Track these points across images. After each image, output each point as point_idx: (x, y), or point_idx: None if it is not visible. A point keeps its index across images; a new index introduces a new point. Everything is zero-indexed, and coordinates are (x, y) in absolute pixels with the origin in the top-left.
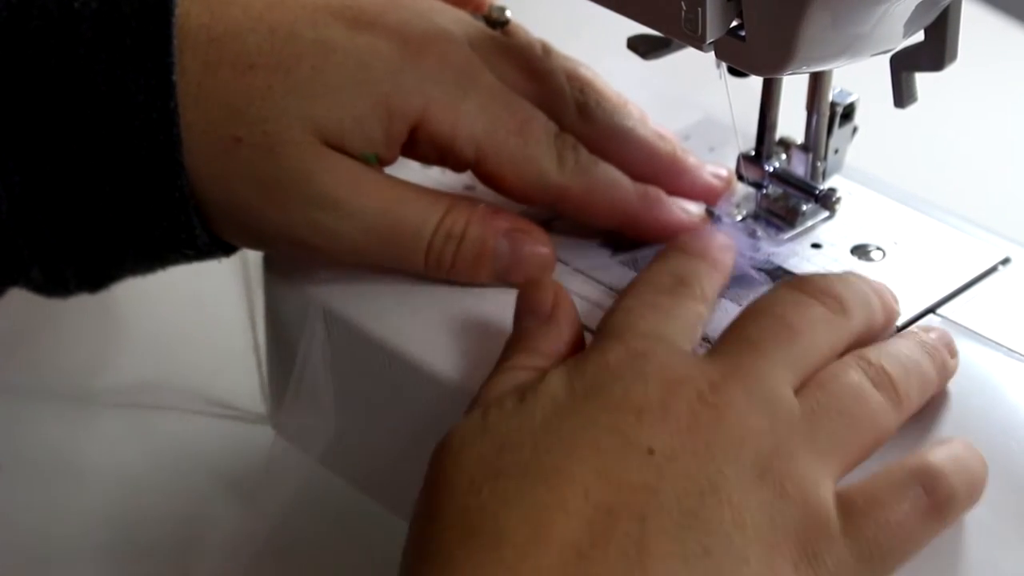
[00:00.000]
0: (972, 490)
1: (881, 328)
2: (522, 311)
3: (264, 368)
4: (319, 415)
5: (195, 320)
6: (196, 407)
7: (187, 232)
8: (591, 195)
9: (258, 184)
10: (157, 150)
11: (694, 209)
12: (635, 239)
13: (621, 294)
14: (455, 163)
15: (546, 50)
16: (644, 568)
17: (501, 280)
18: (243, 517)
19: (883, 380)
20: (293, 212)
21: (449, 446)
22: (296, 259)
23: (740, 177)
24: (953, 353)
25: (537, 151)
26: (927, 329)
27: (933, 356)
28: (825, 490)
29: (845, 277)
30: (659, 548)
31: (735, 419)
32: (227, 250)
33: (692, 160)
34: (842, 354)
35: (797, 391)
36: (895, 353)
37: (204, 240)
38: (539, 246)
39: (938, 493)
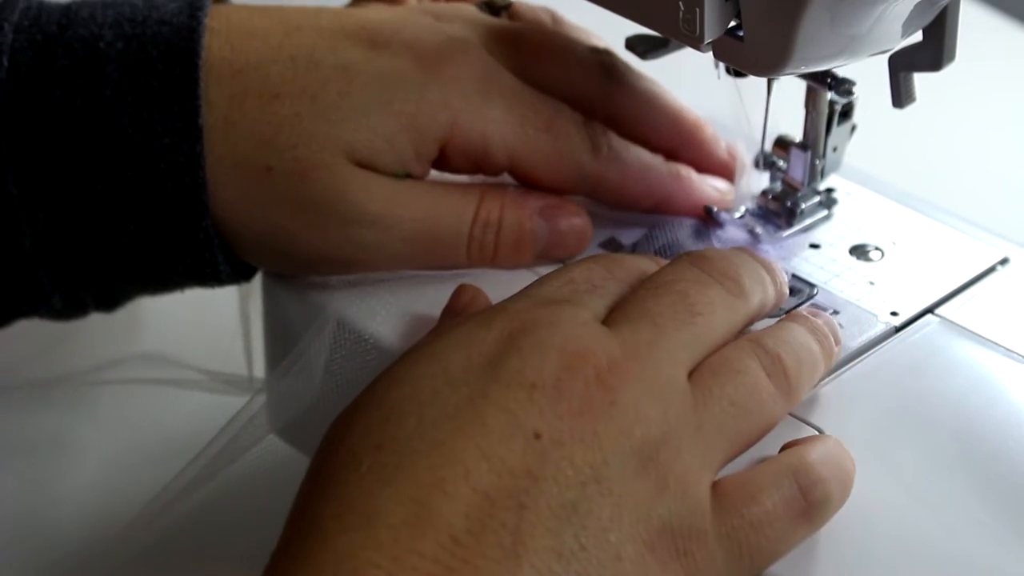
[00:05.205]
0: (844, 493)
1: (772, 308)
2: (444, 313)
3: (255, 352)
4: (305, 406)
5: (191, 297)
6: (191, 381)
7: (211, 267)
8: (626, 179)
9: (294, 210)
10: (183, 192)
11: (723, 186)
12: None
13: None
14: (490, 169)
15: (556, 20)
16: (518, 560)
17: (544, 259)
18: (239, 497)
19: (777, 370)
20: (332, 233)
21: (343, 416)
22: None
23: (772, 166)
24: (838, 340)
25: (569, 144)
26: (815, 313)
27: (822, 343)
28: (705, 484)
29: (741, 256)
30: (535, 541)
31: (628, 405)
32: (248, 276)
33: (710, 131)
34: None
35: (691, 374)
36: (790, 341)
37: (227, 272)
38: (574, 218)
39: (814, 495)
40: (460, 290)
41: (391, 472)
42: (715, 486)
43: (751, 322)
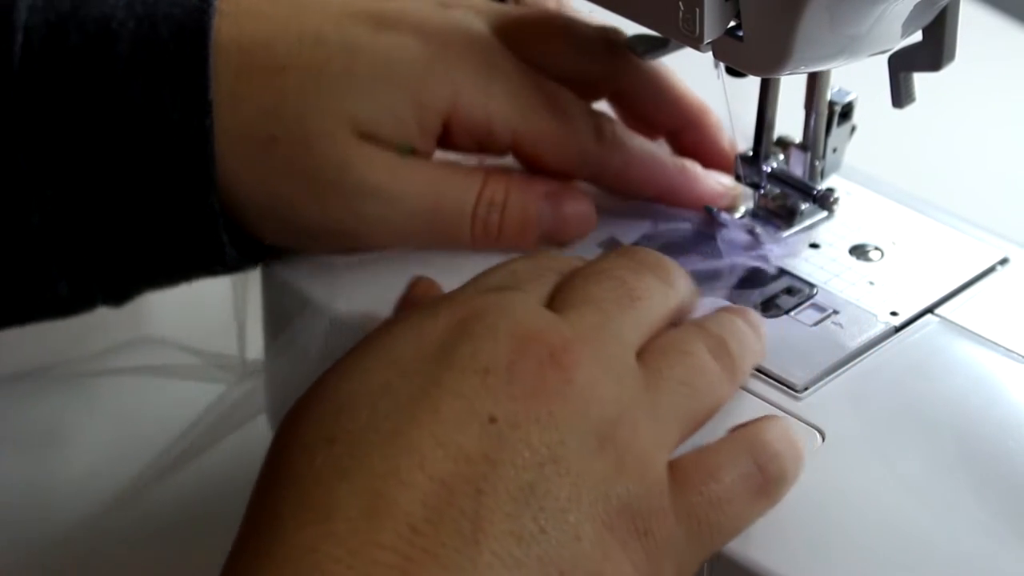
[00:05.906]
0: (798, 469)
1: (688, 313)
2: (399, 306)
3: (249, 335)
4: (298, 391)
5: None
6: (186, 365)
7: (217, 248)
8: (629, 165)
9: (298, 179)
10: (191, 166)
11: (727, 181)
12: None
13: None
14: (493, 148)
15: (560, 2)
16: (478, 546)
17: (547, 243)
18: (228, 479)
19: (722, 352)
20: (335, 204)
21: (294, 410)
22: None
23: (738, 177)
24: (763, 335)
25: (573, 126)
26: (743, 309)
27: (756, 331)
28: (661, 464)
29: (659, 253)
30: (494, 527)
31: (583, 385)
32: (254, 263)
33: (715, 117)
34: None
35: (638, 356)
36: (730, 325)
37: (233, 256)
38: (579, 204)
39: (770, 470)
40: (415, 283)
41: (346, 464)
42: (672, 465)
43: (680, 314)
